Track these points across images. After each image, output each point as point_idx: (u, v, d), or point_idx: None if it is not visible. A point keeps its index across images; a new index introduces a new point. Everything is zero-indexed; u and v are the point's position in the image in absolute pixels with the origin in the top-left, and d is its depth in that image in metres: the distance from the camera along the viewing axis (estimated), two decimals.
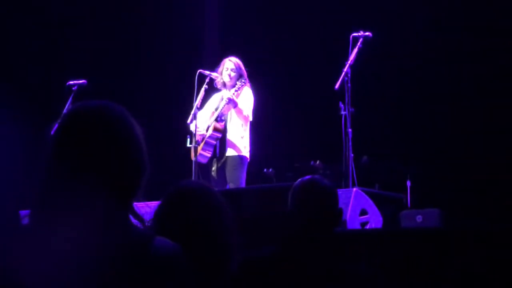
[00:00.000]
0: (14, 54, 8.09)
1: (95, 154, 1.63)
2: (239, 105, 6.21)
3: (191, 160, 6.25)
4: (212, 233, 2.19)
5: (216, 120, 6.33)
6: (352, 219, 5.02)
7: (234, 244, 2.23)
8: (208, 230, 2.19)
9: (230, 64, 6.42)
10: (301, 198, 2.74)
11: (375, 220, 5.18)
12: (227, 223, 2.24)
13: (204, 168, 6.37)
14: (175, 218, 2.20)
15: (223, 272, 2.21)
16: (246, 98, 6.36)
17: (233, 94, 6.22)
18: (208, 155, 6.33)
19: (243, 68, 6.44)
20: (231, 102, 6.19)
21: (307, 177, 2.83)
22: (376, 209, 5.22)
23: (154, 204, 2.41)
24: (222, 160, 6.33)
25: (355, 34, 6.16)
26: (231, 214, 2.27)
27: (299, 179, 2.83)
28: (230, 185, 6.23)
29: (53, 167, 1.64)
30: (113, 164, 1.64)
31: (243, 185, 6.27)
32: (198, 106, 6.31)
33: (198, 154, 6.30)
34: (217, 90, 6.60)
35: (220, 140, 6.33)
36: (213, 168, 6.36)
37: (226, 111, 6.32)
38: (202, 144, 6.32)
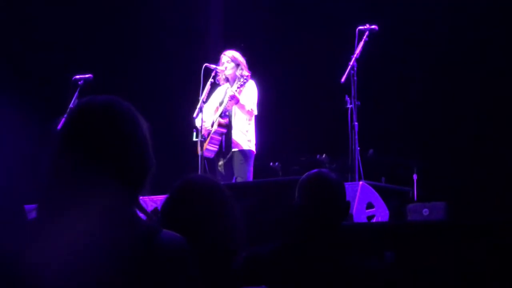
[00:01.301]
0: (20, 48, 8.09)
1: (101, 149, 1.64)
2: (241, 101, 6.21)
3: (197, 154, 6.26)
4: (218, 227, 2.19)
5: (221, 116, 6.34)
6: (358, 213, 5.01)
7: (240, 239, 2.23)
8: (214, 224, 2.19)
9: (225, 59, 6.41)
10: (309, 192, 2.73)
11: (381, 213, 5.17)
12: (233, 217, 2.24)
13: (211, 162, 6.39)
14: (181, 212, 2.20)
15: (228, 266, 2.21)
16: (249, 93, 6.34)
17: (236, 90, 6.20)
18: (215, 149, 6.34)
19: (239, 58, 6.39)
20: (233, 99, 6.18)
21: (314, 170, 2.81)
22: (382, 202, 5.21)
23: (160, 198, 2.41)
24: (228, 155, 6.34)
25: (361, 27, 6.15)
26: (237, 208, 2.27)
27: (306, 173, 2.81)
28: (238, 179, 6.24)
29: (59, 162, 1.65)
30: (119, 159, 1.65)
31: (250, 178, 6.27)
32: (204, 100, 6.31)
33: (204, 149, 6.31)
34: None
35: (226, 135, 6.34)
36: (220, 163, 6.37)
37: (229, 107, 6.32)
38: (208, 139, 6.33)
